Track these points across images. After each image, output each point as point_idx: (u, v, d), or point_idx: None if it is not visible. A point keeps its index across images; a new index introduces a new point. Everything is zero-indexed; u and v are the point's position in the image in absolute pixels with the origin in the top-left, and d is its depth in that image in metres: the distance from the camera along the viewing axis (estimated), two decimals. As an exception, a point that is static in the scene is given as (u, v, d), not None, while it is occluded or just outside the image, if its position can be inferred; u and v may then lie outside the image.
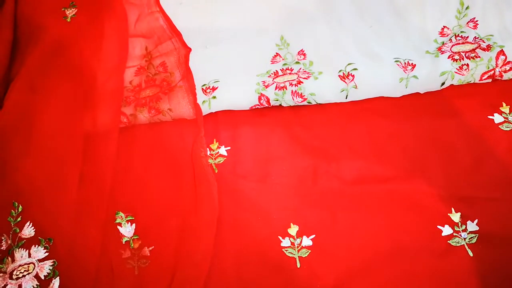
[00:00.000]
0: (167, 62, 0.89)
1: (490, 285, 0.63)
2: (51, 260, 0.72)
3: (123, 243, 0.74)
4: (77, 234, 0.75)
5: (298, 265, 0.69)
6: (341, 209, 0.71)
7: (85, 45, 0.90)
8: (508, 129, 0.74)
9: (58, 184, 0.78)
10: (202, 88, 0.85)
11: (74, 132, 0.82)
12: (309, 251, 0.69)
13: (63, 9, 0.97)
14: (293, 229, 0.71)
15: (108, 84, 0.86)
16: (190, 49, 0.89)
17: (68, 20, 0.96)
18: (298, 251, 0.70)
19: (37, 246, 0.73)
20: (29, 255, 0.72)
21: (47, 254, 0.73)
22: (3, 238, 0.73)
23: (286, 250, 0.70)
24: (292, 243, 0.70)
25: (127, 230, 0.75)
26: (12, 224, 0.75)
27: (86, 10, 0.96)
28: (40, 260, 0.72)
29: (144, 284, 0.71)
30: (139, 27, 0.95)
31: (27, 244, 0.73)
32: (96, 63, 0.88)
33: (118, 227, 0.75)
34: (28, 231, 0.75)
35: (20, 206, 0.76)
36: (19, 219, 0.75)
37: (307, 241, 0.70)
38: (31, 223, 0.75)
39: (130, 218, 0.75)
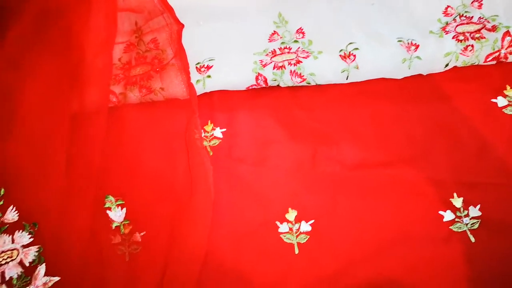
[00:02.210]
0: (158, 38, 0.85)
1: (491, 271, 0.62)
2: (37, 246, 0.69)
3: (113, 228, 0.70)
4: (64, 219, 0.71)
5: (297, 252, 0.66)
6: (341, 194, 0.69)
7: (73, 18, 0.85)
8: (511, 113, 0.72)
9: (44, 167, 0.74)
10: (196, 67, 0.81)
11: (60, 112, 0.78)
12: (308, 237, 0.67)
13: (44, -20, 0.91)
14: (291, 214, 0.69)
15: (97, 61, 0.82)
16: (183, 25, 0.84)
17: (51, -10, 0.90)
18: (297, 236, 0.67)
19: (21, 231, 0.70)
20: (13, 241, 0.69)
21: (32, 239, 0.70)
22: (-16, 224, 0.69)
23: (284, 236, 0.68)
24: (290, 229, 0.68)
25: (117, 214, 0.71)
26: (-6, 208, 0.71)
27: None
28: (24, 246, 0.69)
29: (135, 270, 0.68)
30: (128, 0, 0.89)
31: (10, 229, 0.70)
32: (84, 37, 0.83)
33: (108, 211, 0.71)
34: (11, 215, 0.71)
35: (2, 189, 0.72)
36: (1, 202, 0.72)
37: (306, 227, 0.68)
38: (15, 207, 0.71)
39: (120, 202, 0.72)
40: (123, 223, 0.71)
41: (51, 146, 0.76)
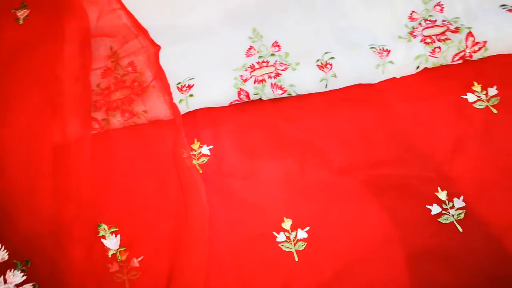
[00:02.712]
0: (135, 61, 0.85)
1: (480, 257, 0.66)
2: (31, 284, 0.68)
3: (110, 256, 0.69)
4: (57, 253, 0.70)
5: (296, 259, 0.68)
6: (332, 199, 0.71)
7: (45, 48, 0.84)
8: (481, 107, 0.77)
9: (30, 202, 0.73)
10: (177, 87, 0.81)
11: (41, 144, 0.77)
12: (306, 243, 0.69)
13: (13, 11, 0.90)
14: (287, 223, 0.70)
15: (75, 89, 0.81)
16: (159, 47, 0.85)
17: (21, 22, 0.89)
18: (294, 244, 0.69)
19: (13, 270, 0.68)
20: (5, 281, 0.67)
21: (25, 277, 0.68)
22: (-29, 266, 0.67)
23: (282, 245, 0.69)
24: (288, 237, 0.69)
25: (112, 242, 0.70)
26: (-18, 250, 0.69)
27: (41, 10, 0.90)
28: (18, 285, 0.67)
29: (138, 297, 0.67)
30: (101, 26, 0.90)
31: (1, 269, 0.68)
32: (59, 66, 0.82)
33: (102, 240, 0.70)
34: (0, 255, 0.69)
35: (-11, 229, 0.70)
36: (-12, 243, 0.69)
37: (302, 234, 0.69)
38: (3, 246, 0.69)
39: (114, 229, 0.71)
40: (119, 250, 0.70)
41: (35, 181, 0.74)
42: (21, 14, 0.91)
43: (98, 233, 0.71)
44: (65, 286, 0.68)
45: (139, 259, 0.69)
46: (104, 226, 0.72)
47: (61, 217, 0.72)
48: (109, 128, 0.79)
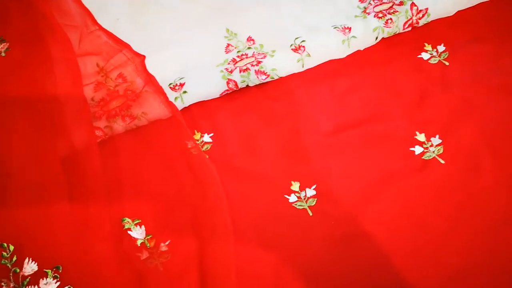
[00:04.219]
0: (124, 72, 0.90)
1: (463, 183, 0.77)
2: (67, 287, 0.69)
3: (139, 245, 0.73)
4: (86, 253, 0.72)
5: (311, 214, 0.75)
6: (329, 156, 0.80)
7: (34, 71, 0.88)
8: (435, 62, 0.91)
9: (47, 214, 0.75)
10: (170, 87, 0.88)
11: (49, 161, 0.80)
12: (316, 199, 0.77)
13: (-8, 46, 0.93)
14: (295, 185, 0.78)
15: (71, 104, 0.85)
16: (144, 56, 0.91)
17: (3, 54, 0.92)
18: (306, 201, 0.77)
19: (45, 278, 0.70)
20: (41, 291, 0.68)
21: (59, 283, 0.70)
22: (3, 284, 0.68)
23: (296, 204, 0.76)
24: (299, 197, 0.77)
25: (138, 232, 0.74)
26: (9, 266, 0.70)
27: (21, 41, 0.94)
28: (54, 292, 0.69)
29: (173, 277, 0.71)
30: (84, 46, 0.94)
31: (33, 280, 0.70)
32: (51, 85, 0.86)
33: (129, 232, 0.74)
34: (29, 267, 0.71)
35: (11, 246, 0.72)
36: (14, 258, 0.71)
37: (311, 192, 0.77)
38: (31, 258, 0.71)
39: (138, 221, 0.75)
40: (146, 238, 0.74)
41: (49, 194, 0.77)
42: (1, 47, 0.94)
43: (123, 226, 0.75)
44: (101, 281, 0.70)
45: (167, 243, 0.74)
46: (127, 219, 0.75)
47: (84, 220, 0.74)
48: (113, 134, 0.84)
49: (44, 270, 0.71)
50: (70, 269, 0.71)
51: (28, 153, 0.81)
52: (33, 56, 0.91)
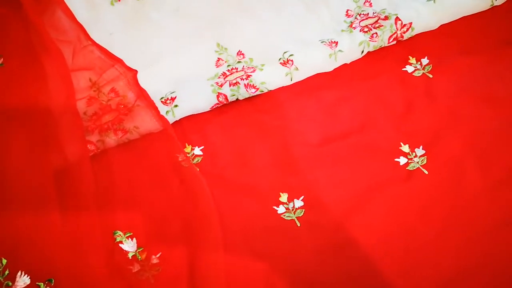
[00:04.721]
0: (116, 87, 0.92)
1: (449, 192, 0.79)
2: (59, 300, 0.71)
3: (130, 258, 0.75)
4: (78, 265, 0.74)
5: (299, 224, 0.77)
6: (317, 167, 0.82)
7: (28, 86, 0.90)
8: (419, 74, 0.94)
9: (39, 226, 0.77)
10: (161, 101, 0.90)
11: (42, 174, 0.81)
12: (304, 210, 0.79)
13: (-14, 61, 0.95)
14: (284, 197, 0.80)
15: (64, 118, 0.87)
16: (136, 71, 0.93)
17: (-3, 69, 0.94)
18: (294, 212, 0.78)
19: (37, 292, 0.71)
20: (32, 304, 0.70)
21: (51, 296, 0.71)
22: (-5, 297, 0.70)
23: (284, 215, 0.78)
24: (287, 208, 0.79)
25: (129, 245, 0.76)
26: (1, 279, 0.72)
27: (15, 56, 0.96)
28: (46, 304, 0.70)
29: (164, 288, 0.73)
30: (77, 61, 0.96)
31: (26, 293, 0.71)
32: (46, 100, 0.88)
33: (120, 245, 0.76)
34: (22, 280, 0.72)
35: (4, 259, 0.73)
36: (6, 272, 0.72)
37: (298, 203, 0.79)
38: (23, 272, 0.72)
39: (129, 234, 0.77)
40: (137, 251, 0.76)
41: (42, 206, 0.78)
42: (-4, 62, 0.96)
43: (115, 239, 0.76)
44: (93, 294, 0.72)
45: (158, 255, 0.75)
46: (119, 232, 0.77)
47: (75, 232, 0.76)
48: (105, 148, 0.86)
49: (37, 283, 0.72)
50: (62, 282, 0.72)
51: (21, 166, 0.82)
52: (27, 71, 0.93)
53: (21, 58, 0.95)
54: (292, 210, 0.79)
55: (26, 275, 0.72)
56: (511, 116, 0.87)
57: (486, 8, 1.00)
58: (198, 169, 0.84)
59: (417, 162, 0.82)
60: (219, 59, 0.97)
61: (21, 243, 0.75)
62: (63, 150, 0.84)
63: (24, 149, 0.84)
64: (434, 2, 0.97)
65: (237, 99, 0.92)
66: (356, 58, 0.96)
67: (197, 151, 0.87)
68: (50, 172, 0.82)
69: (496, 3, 0.99)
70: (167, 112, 0.88)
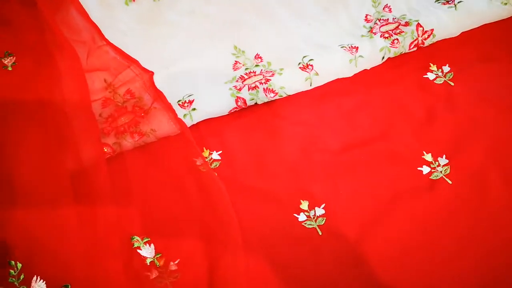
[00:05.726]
0: (132, 88, 0.91)
1: (469, 198, 0.77)
2: (75, 306, 0.69)
3: (148, 264, 0.73)
4: (95, 271, 0.72)
5: (320, 233, 0.76)
6: (338, 175, 0.81)
7: (42, 86, 0.88)
8: (440, 82, 0.92)
9: (56, 229, 0.75)
10: (179, 104, 0.88)
11: (57, 175, 0.79)
12: (325, 218, 0.77)
13: (-1, 59, 0.93)
14: (304, 204, 0.79)
15: (79, 119, 0.85)
16: (152, 72, 0.91)
17: (10, 68, 0.93)
18: (315, 221, 0.77)
19: (54, 298, 0.69)
20: (48, 310, 0.68)
21: (67, 302, 0.69)
22: (10, 302, 0.68)
23: (305, 223, 0.77)
24: (308, 216, 0.77)
25: (147, 251, 0.74)
26: (17, 284, 0.70)
27: (28, 55, 0.94)
28: (63, 310, 0.68)
29: (182, 297, 0.71)
30: (91, 62, 0.95)
31: (41, 299, 0.69)
32: (59, 100, 0.86)
33: (138, 250, 0.74)
34: (38, 286, 0.70)
35: (19, 263, 0.71)
36: (22, 277, 0.71)
37: (320, 211, 0.78)
38: (39, 277, 0.71)
39: (147, 239, 0.75)
40: (155, 257, 0.74)
41: (58, 208, 0.77)
42: (8, 61, 0.94)
43: (133, 245, 0.75)
44: (110, 300, 0.70)
45: (176, 262, 0.74)
46: (137, 237, 0.75)
47: (92, 237, 0.74)
48: (122, 151, 0.84)
49: (52, 288, 0.70)
50: (79, 287, 0.70)
51: (36, 167, 0.80)
52: (40, 70, 0.91)
53: (34, 58, 0.93)
54: (313, 218, 0.77)
55: (41, 280, 0.71)
56: (532, 125, 0.85)
57: (507, 16, 0.99)
58: (216, 174, 0.82)
59: (441, 172, 0.81)
60: (236, 62, 0.95)
61: (37, 248, 0.74)
62: (78, 151, 0.82)
63: (38, 151, 0.82)
64: (455, 9, 0.96)
65: (256, 103, 0.90)
66: (376, 64, 0.95)
67: (215, 155, 0.85)
68: (66, 174, 0.80)
69: (517, 11, 0.99)
70: (184, 115, 0.87)
